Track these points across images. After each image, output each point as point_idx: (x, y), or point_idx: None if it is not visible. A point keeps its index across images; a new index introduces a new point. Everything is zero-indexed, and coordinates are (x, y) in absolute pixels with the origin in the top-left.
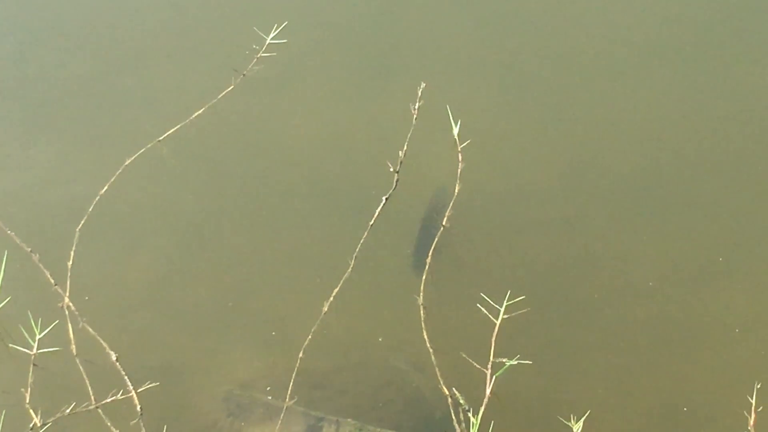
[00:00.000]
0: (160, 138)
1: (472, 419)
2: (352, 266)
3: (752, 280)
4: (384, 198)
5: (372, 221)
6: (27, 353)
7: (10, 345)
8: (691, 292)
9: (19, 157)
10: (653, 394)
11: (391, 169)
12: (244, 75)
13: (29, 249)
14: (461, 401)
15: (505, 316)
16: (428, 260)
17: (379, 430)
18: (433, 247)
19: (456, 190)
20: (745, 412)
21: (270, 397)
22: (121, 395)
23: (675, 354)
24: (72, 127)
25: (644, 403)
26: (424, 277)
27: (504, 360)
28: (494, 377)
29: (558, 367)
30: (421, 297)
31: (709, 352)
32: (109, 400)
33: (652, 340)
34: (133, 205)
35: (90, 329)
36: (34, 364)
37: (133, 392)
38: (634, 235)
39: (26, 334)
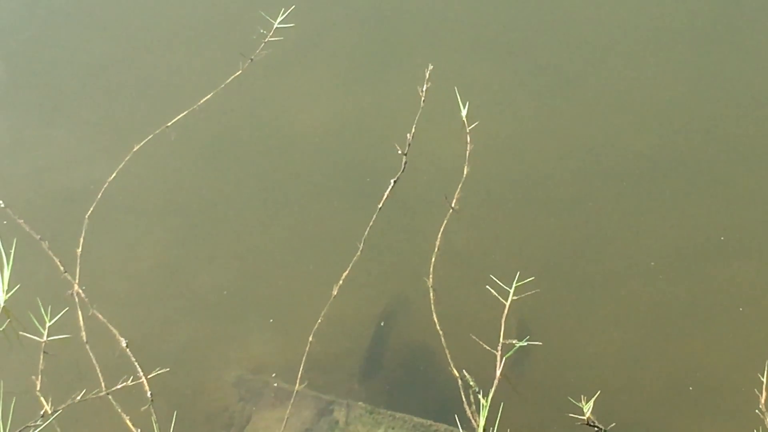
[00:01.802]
0: (169, 123)
1: (482, 401)
2: (361, 249)
3: (753, 260)
4: (392, 180)
5: (380, 204)
6: (37, 341)
7: (21, 333)
8: (695, 272)
9: (28, 143)
10: (663, 374)
11: (399, 152)
12: (251, 59)
13: (38, 236)
14: (471, 383)
15: (515, 298)
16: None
17: (389, 412)
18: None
19: (465, 172)
20: (756, 390)
21: (275, 384)
22: (132, 382)
23: (682, 334)
24: (81, 114)
25: (654, 382)
26: (433, 259)
27: (513, 341)
28: (504, 359)
29: (567, 347)
30: (431, 279)
31: (715, 331)
32: (119, 386)
33: (659, 320)
34: (142, 191)
35: (100, 316)
36: (44, 352)
37: (143, 378)
38: (641, 216)
39: (36, 322)
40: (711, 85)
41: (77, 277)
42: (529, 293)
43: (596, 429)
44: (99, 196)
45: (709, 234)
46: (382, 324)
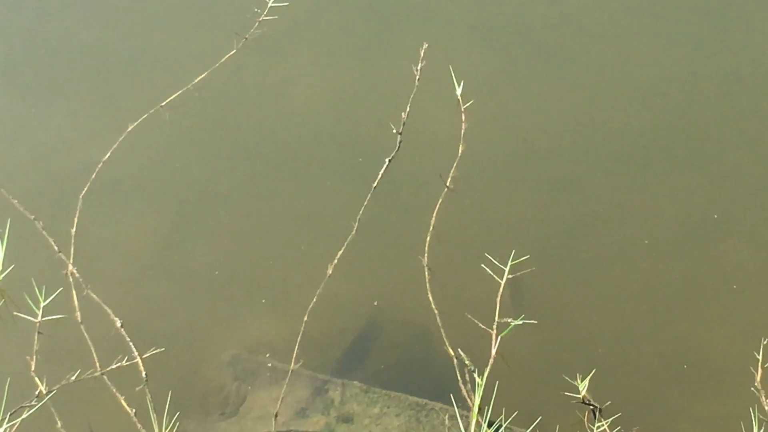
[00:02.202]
0: (163, 103)
1: (477, 380)
2: (355, 229)
3: (746, 238)
4: (387, 160)
5: (375, 183)
6: (32, 321)
7: (15, 313)
8: (689, 251)
9: (22, 123)
10: (657, 352)
11: (394, 131)
12: (246, 39)
13: (33, 216)
14: (466, 362)
15: (510, 276)
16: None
17: (385, 392)
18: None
19: (459, 151)
20: (751, 368)
21: (269, 364)
22: (126, 362)
23: (676, 313)
24: (74, 94)
25: (649, 361)
26: (428, 239)
27: (509, 320)
28: (499, 337)
29: (563, 326)
30: (426, 258)
31: (709, 309)
32: (114, 366)
33: (653, 298)
34: (136, 171)
35: (94, 296)
36: (39, 332)
37: (138, 358)
38: (635, 194)
39: (31, 302)
40: (705, 64)
41: (71, 257)
42: (525, 272)
43: (592, 407)
44: (93, 176)
45: (703, 212)
46: (375, 303)
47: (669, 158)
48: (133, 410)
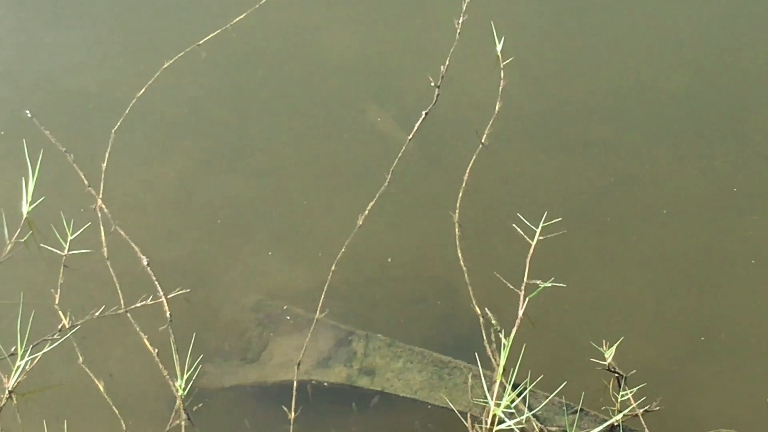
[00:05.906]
0: (200, 42)
1: (503, 340)
2: (388, 180)
3: (765, 213)
4: (424, 112)
5: (410, 135)
6: (58, 254)
7: (42, 245)
8: (707, 223)
9: (57, 48)
10: (679, 323)
11: (432, 84)
12: None
13: (64, 149)
14: (493, 322)
15: (541, 238)
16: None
17: (408, 347)
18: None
19: (497, 108)
20: None
21: (288, 317)
22: (151, 301)
23: (697, 285)
24: (114, 30)
25: (674, 331)
26: (460, 195)
27: (538, 282)
28: (527, 299)
29: (591, 291)
30: (457, 215)
31: (728, 283)
32: (138, 305)
33: (685, 266)
34: (169, 108)
35: (122, 233)
36: (64, 265)
37: (163, 298)
38: (663, 160)
39: (58, 235)
40: (747, 34)
41: (101, 192)
42: (557, 234)
43: (617, 375)
44: (127, 112)
45: (723, 184)
46: (389, 260)
47: (698, 127)
48: (156, 350)
